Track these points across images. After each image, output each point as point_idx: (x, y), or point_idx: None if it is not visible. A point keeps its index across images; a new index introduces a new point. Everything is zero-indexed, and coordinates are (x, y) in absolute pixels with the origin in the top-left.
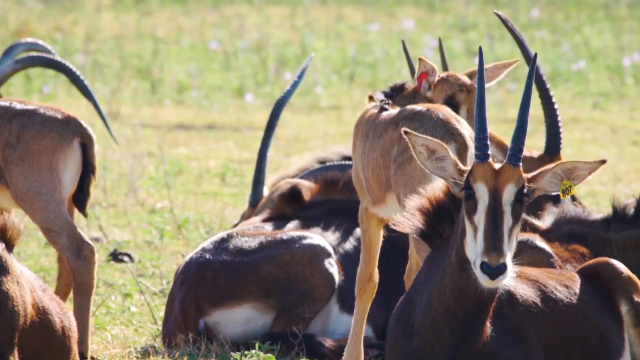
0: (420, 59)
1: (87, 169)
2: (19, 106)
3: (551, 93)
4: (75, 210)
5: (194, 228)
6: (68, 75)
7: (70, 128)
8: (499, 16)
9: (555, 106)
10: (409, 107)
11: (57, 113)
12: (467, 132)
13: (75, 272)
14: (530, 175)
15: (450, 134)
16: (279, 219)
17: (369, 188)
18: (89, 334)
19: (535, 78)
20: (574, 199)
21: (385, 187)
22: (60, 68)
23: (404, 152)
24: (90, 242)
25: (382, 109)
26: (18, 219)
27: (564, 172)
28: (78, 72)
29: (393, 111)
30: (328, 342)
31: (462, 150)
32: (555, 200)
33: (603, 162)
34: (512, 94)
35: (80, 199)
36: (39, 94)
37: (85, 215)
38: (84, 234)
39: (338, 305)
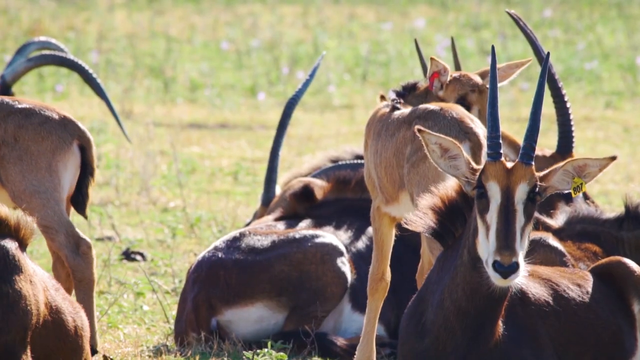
0: (432, 59)
1: (86, 171)
2: (12, 104)
3: (563, 92)
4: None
5: (206, 227)
6: (81, 74)
7: (69, 130)
8: (511, 15)
9: (568, 105)
10: (422, 106)
11: (53, 113)
12: (482, 131)
13: (75, 269)
14: (541, 173)
15: (464, 132)
16: (291, 218)
17: (382, 187)
18: (97, 330)
19: (547, 77)
20: (586, 197)
21: (398, 186)
22: (73, 66)
23: (418, 151)
24: (87, 238)
25: (394, 108)
26: (31, 218)
27: (575, 169)
28: (91, 71)
29: (405, 110)
30: (340, 341)
31: (476, 149)
32: (567, 199)
33: (613, 158)
34: (524, 93)
35: (79, 200)
36: (52, 92)
37: (85, 217)
38: (80, 231)
39: (350, 304)
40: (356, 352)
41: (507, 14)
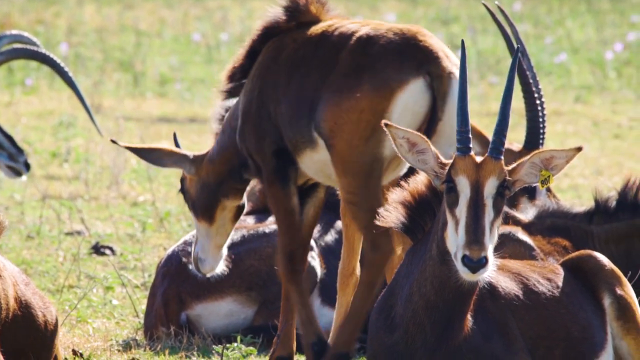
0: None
1: None
2: None
3: (533, 87)
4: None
5: (176, 221)
6: (52, 67)
7: None
8: (486, 7)
9: (538, 101)
10: None
11: None
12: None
13: None
14: (509, 167)
15: None
16: (260, 212)
17: None
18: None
19: (518, 71)
20: (548, 191)
21: None
22: (45, 60)
23: None
24: None
25: None
26: (2, 213)
27: (542, 162)
28: (62, 64)
29: None
30: None
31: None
32: (531, 194)
33: (579, 149)
34: (494, 87)
35: None
36: (22, 86)
37: None
38: None
39: (320, 298)
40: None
41: (476, 8)
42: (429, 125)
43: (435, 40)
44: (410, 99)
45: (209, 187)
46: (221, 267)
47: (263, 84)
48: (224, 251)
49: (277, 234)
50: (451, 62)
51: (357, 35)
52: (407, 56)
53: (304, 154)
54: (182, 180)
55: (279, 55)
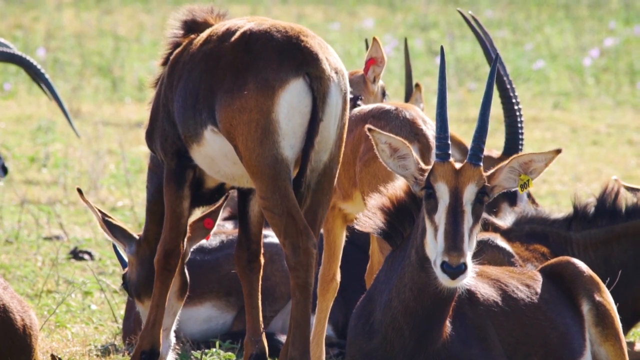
0: (374, 39)
1: None
2: None
3: (511, 94)
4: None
5: None
6: (30, 70)
7: None
8: (461, 14)
9: (516, 107)
10: (379, 105)
11: None
12: (432, 133)
13: None
14: (488, 173)
15: (414, 134)
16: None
17: (339, 183)
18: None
19: (496, 78)
20: (531, 198)
21: (352, 183)
22: (22, 62)
23: (370, 150)
24: None
25: (354, 105)
26: None
27: (521, 166)
28: (39, 66)
29: (364, 107)
30: None
31: (425, 151)
32: (512, 200)
33: (558, 151)
34: (472, 94)
35: None
36: (0, 91)
37: None
38: None
39: None
40: None
41: (455, 14)
42: (311, 125)
43: (316, 41)
44: (294, 99)
45: (148, 260)
46: (171, 358)
47: (165, 87)
48: (172, 338)
49: (162, 230)
50: (330, 64)
51: (241, 30)
52: (286, 56)
53: (192, 149)
54: (124, 276)
55: (178, 59)
